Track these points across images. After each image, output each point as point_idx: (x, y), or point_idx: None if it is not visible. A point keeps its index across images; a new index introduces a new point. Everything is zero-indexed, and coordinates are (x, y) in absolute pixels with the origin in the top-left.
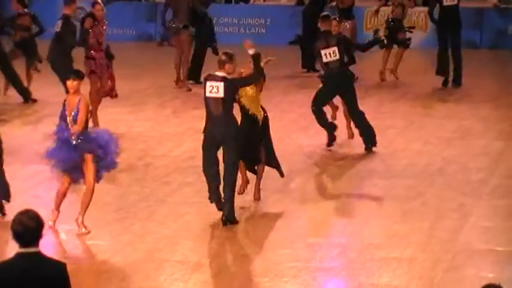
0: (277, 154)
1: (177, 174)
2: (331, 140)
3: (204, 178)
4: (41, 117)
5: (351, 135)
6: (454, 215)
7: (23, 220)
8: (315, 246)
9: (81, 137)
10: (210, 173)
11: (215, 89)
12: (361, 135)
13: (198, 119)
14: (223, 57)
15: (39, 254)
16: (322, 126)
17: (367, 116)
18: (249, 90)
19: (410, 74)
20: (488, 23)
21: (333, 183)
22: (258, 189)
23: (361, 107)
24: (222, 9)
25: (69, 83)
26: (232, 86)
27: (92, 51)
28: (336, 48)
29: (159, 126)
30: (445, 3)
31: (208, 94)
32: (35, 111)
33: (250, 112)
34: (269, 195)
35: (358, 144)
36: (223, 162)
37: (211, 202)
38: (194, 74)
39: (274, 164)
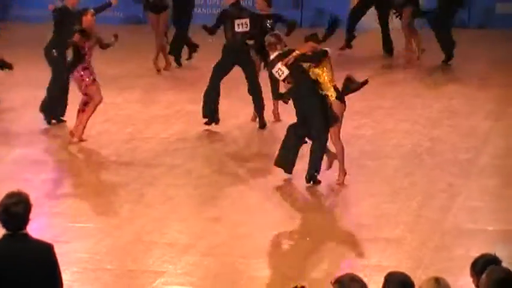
0: (261, 137)
1: (165, 156)
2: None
3: (191, 160)
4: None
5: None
6: (442, 195)
7: (10, 208)
8: (304, 226)
9: None
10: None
11: (280, 71)
12: (256, 110)
13: (185, 102)
14: (272, 39)
15: (26, 236)
16: None
17: (355, 96)
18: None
19: (398, 54)
20: (476, 1)
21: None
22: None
23: None
24: None
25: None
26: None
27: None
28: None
29: (146, 109)
30: None
31: (281, 79)
32: (21, 96)
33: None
34: (255, 177)
35: (346, 125)
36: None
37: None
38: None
39: None
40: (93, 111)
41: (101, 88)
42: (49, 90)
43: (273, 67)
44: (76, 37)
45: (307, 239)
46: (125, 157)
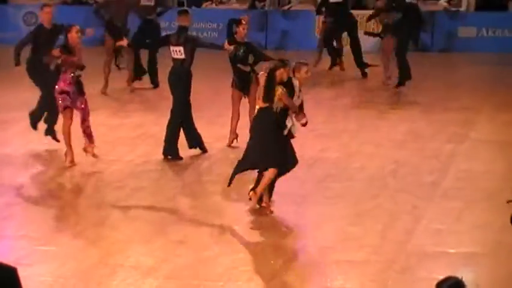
0: (226, 158)
1: (130, 179)
2: None
3: (156, 183)
4: None
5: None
6: (406, 217)
7: None
8: (268, 250)
9: None
10: None
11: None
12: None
13: (151, 124)
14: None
15: None
16: None
17: (321, 119)
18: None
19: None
20: (439, 26)
21: (287, 186)
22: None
23: (315, 111)
24: (174, 13)
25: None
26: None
27: (64, 85)
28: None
29: (112, 132)
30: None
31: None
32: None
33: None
34: (221, 200)
35: (311, 148)
36: None
37: None
38: (154, 78)
39: None
40: (68, 136)
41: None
42: (40, 106)
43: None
44: (55, 52)
45: (272, 262)
46: (90, 179)
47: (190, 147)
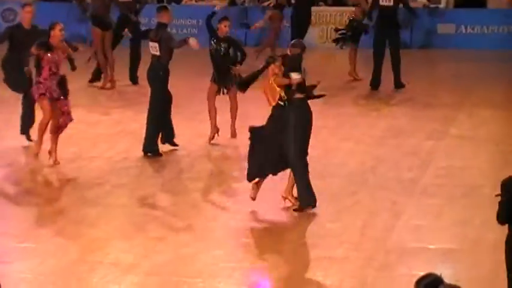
0: (207, 155)
1: (110, 175)
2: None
3: (136, 179)
4: None
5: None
6: (386, 213)
7: None
8: (248, 247)
9: None
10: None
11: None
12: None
13: (130, 120)
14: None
15: None
16: None
17: None
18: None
19: (345, 74)
20: (419, 23)
21: (267, 183)
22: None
23: None
24: (154, 9)
25: None
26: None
27: (42, 80)
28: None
29: (91, 128)
30: (381, 3)
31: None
32: None
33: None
34: (201, 196)
35: None
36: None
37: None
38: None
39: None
40: (42, 130)
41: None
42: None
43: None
44: (33, 48)
45: (251, 258)
46: (70, 176)
47: (162, 142)
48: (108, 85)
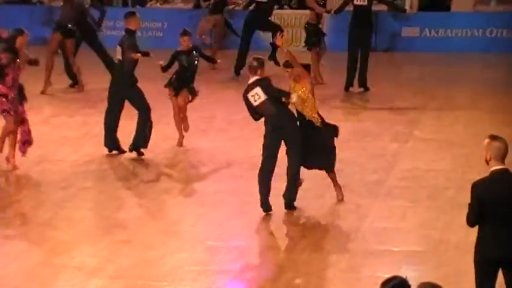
0: (170, 158)
1: (75, 178)
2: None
3: (101, 182)
4: None
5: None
6: (351, 215)
7: None
8: (214, 250)
9: None
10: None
11: (257, 96)
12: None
13: (94, 123)
14: (255, 63)
15: None
16: None
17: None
18: (301, 93)
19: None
20: (383, 26)
21: (231, 186)
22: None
23: None
24: (118, 12)
25: None
26: (268, 84)
27: (3, 88)
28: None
29: (56, 131)
30: (355, 3)
31: (255, 104)
32: None
33: (306, 117)
34: (166, 200)
35: (256, 147)
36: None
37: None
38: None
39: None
40: (3, 139)
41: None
42: None
43: (248, 91)
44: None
45: (216, 261)
46: (34, 179)
47: (108, 147)
48: (47, 89)
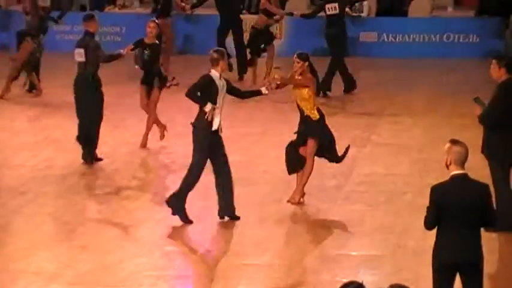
0: (129, 163)
1: (33, 184)
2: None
3: (59, 188)
4: None
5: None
6: (310, 220)
7: None
8: (172, 255)
9: None
10: None
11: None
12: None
13: (53, 128)
14: (215, 55)
15: None
16: None
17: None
18: (304, 92)
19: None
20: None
21: (191, 191)
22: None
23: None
24: (76, 17)
25: None
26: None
27: None
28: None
29: (14, 136)
30: (328, 12)
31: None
32: None
33: (305, 113)
34: (125, 205)
35: None
36: None
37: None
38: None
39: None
40: None
41: None
42: None
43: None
44: None
45: (175, 266)
46: None
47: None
48: (6, 96)
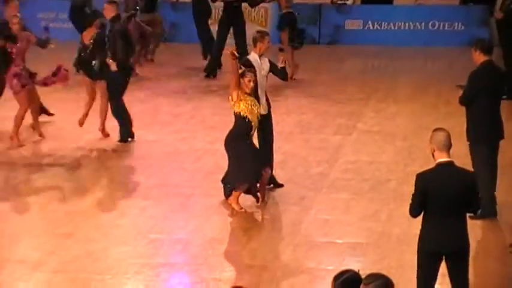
0: (110, 153)
1: (19, 172)
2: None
3: (44, 175)
4: None
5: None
6: (294, 208)
7: None
8: (157, 242)
9: None
10: None
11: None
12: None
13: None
14: (254, 36)
15: None
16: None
17: (209, 110)
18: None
19: None
20: (326, 18)
21: (175, 179)
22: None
23: (202, 103)
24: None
25: None
26: None
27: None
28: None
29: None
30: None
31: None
32: None
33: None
34: (110, 193)
35: (200, 140)
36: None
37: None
38: None
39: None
40: (19, 122)
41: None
42: None
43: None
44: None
45: (160, 254)
46: None
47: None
48: None
